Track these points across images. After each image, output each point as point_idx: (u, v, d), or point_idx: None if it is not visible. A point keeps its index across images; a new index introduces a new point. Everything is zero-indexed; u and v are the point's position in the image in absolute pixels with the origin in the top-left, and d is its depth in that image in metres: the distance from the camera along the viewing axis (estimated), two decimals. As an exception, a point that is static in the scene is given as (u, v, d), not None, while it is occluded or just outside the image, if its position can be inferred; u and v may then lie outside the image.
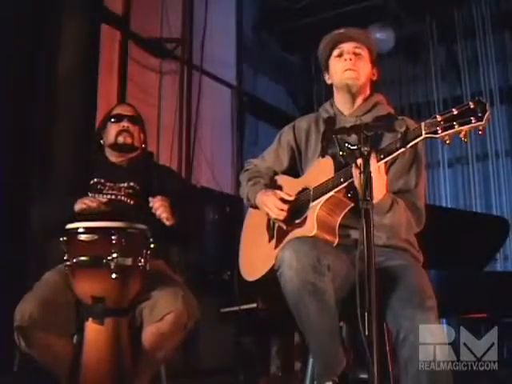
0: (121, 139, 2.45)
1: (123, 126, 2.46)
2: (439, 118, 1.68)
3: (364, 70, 2.11)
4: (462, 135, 1.66)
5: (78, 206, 2.21)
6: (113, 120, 2.48)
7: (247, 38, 6.04)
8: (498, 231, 3.67)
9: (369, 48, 2.14)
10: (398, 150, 1.81)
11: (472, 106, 1.63)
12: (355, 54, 2.10)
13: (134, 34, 4.64)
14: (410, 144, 1.78)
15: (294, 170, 2.27)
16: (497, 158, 5.71)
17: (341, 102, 2.19)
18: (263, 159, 2.36)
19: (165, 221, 2.23)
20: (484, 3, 5.88)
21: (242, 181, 2.35)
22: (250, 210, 2.36)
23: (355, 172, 1.84)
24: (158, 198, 2.26)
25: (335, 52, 2.13)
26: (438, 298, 1.87)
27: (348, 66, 2.09)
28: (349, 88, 2.11)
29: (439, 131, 1.68)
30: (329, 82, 2.22)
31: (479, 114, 1.61)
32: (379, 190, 1.84)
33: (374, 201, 1.73)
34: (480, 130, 1.64)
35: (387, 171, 1.98)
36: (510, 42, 5.84)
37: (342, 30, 2.12)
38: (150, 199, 2.25)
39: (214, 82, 5.43)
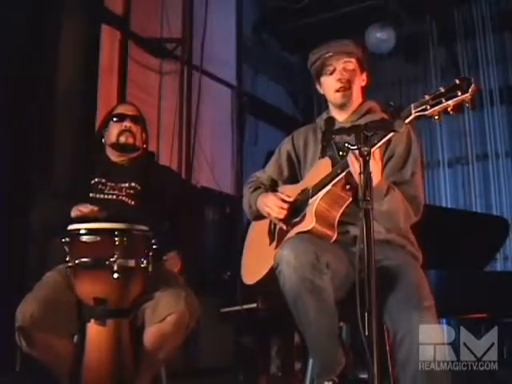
0: (122, 139, 2.44)
1: (125, 126, 2.45)
2: (428, 97, 1.73)
3: (354, 83, 2.19)
4: (450, 109, 1.70)
5: (73, 213, 2.21)
6: (115, 119, 2.47)
7: (247, 38, 6.03)
8: (498, 231, 3.68)
9: (357, 57, 2.20)
10: (390, 132, 1.83)
11: (458, 82, 1.68)
12: (345, 69, 2.17)
13: (134, 33, 4.63)
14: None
15: (295, 179, 2.29)
16: (497, 158, 5.71)
17: (335, 111, 2.26)
18: (264, 171, 2.41)
19: (174, 269, 2.32)
20: (484, 3, 5.88)
21: (244, 192, 2.39)
22: (252, 223, 2.38)
23: (351, 159, 1.86)
24: (171, 255, 2.32)
25: (327, 70, 2.20)
26: (438, 298, 1.88)
27: (339, 86, 2.17)
28: (339, 105, 2.21)
29: (428, 108, 1.73)
30: (321, 92, 2.29)
31: (465, 88, 1.66)
32: (375, 175, 1.85)
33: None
34: (467, 103, 1.68)
35: (383, 167, 2.00)
36: (510, 42, 5.84)
37: (332, 51, 2.16)
38: (164, 258, 2.30)
39: (214, 82, 5.43)
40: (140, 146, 2.51)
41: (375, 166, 1.86)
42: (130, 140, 2.45)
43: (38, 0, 3.69)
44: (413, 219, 2.07)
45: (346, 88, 2.16)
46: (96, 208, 2.21)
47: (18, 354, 2.95)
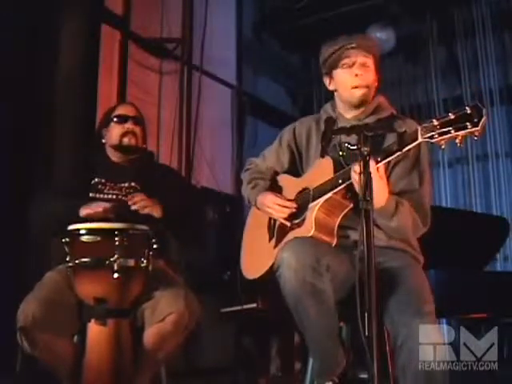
0: (126, 141, 2.43)
1: (128, 128, 2.44)
2: (436, 123, 1.68)
3: (371, 82, 2.09)
4: (457, 140, 1.66)
5: (84, 211, 2.18)
6: (116, 120, 2.46)
7: (247, 38, 6.03)
8: (498, 231, 3.68)
9: (374, 56, 2.10)
10: (394, 153, 1.82)
11: (469, 112, 1.63)
12: (364, 65, 2.06)
13: (134, 33, 4.63)
14: (407, 148, 1.79)
15: (295, 170, 2.28)
16: (497, 159, 5.69)
17: (344, 109, 2.17)
18: (264, 159, 2.37)
19: (153, 214, 2.22)
20: (484, 3, 5.86)
21: (243, 181, 2.37)
22: (253, 209, 2.37)
23: (353, 175, 1.85)
24: (136, 194, 2.25)
25: (344, 61, 2.07)
26: (438, 298, 1.88)
27: (358, 83, 2.06)
28: (355, 104, 2.10)
29: (435, 136, 1.68)
30: (330, 87, 2.19)
31: (475, 120, 1.61)
32: (381, 194, 1.84)
33: (378, 205, 1.74)
34: (476, 136, 1.64)
35: (390, 173, 1.98)
36: (510, 42, 5.83)
37: (354, 43, 2.05)
38: (129, 197, 2.24)
39: (214, 82, 5.42)
40: (141, 146, 2.51)
41: (380, 184, 1.83)
42: (133, 142, 2.45)
43: (38, 0, 3.69)
44: (421, 230, 2.05)
45: (363, 85, 2.06)
46: (108, 206, 2.19)
47: (19, 355, 2.95)
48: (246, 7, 5.97)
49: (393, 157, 1.82)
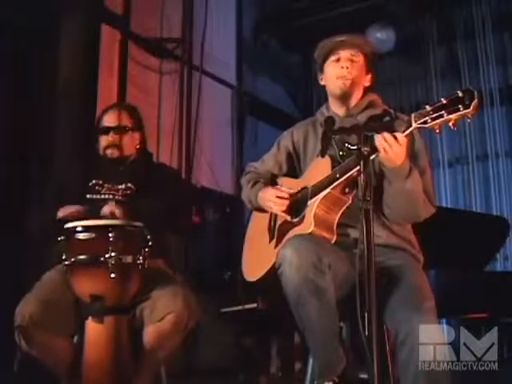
0: (108, 152, 2.41)
1: (109, 141, 2.41)
2: (429, 108, 1.71)
3: (357, 78, 2.13)
4: (451, 124, 1.68)
5: (60, 213, 2.21)
6: (101, 131, 2.44)
7: (247, 38, 6.03)
8: (498, 231, 3.68)
9: (365, 54, 2.15)
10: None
11: (460, 95, 1.65)
12: (352, 61, 2.12)
13: (134, 33, 4.64)
14: (402, 135, 1.79)
15: (294, 173, 2.28)
16: (497, 158, 5.70)
17: (334, 104, 2.21)
18: (263, 163, 2.38)
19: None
20: (484, 3, 5.87)
21: (243, 185, 2.38)
22: (253, 213, 2.37)
23: (380, 141, 1.80)
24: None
25: (333, 57, 2.15)
26: (438, 298, 1.88)
27: (342, 74, 2.11)
28: (339, 95, 2.15)
29: (429, 121, 1.70)
30: (321, 83, 2.24)
31: (467, 102, 1.63)
32: (399, 154, 1.81)
33: (394, 163, 1.79)
34: (469, 118, 1.66)
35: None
36: (510, 42, 5.84)
37: (342, 38, 2.13)
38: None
39: (214, 81, 5.43)
40: (129, 154, 2.46)
41: (399, 148, 1.80)
42: (116, 154, 2.41)
43: (38, 0, 3.69)
44: (430, 208, 2.04)
45: (348, 78, 2.10)
46: (81, 208, 2.20)
47: (18, 354, 2.95)
48: (245, 7, 5.97)
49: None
